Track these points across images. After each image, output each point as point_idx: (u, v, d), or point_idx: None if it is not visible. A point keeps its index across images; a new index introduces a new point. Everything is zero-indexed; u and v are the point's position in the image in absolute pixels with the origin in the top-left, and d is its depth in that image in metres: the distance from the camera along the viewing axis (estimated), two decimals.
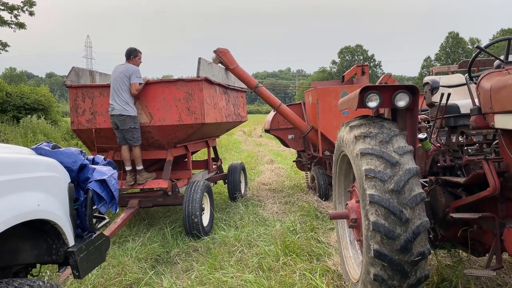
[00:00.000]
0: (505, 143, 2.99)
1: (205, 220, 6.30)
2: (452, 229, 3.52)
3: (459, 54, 70.09)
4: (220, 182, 8.96)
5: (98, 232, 2.81)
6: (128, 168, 6.30)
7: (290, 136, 9.26)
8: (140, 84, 6.02)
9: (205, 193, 6.33)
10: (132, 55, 6.26)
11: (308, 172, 9.28)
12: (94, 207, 2.76)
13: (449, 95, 3.61)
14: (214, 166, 8.41)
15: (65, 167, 2.62)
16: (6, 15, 18.88)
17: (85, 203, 2.69)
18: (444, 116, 3.72)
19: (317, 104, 7.94)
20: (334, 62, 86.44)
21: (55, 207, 2.36)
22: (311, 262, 4.73)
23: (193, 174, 7.26)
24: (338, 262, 4.56)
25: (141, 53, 6.38)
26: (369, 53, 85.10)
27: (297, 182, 10.32)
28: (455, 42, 73.85)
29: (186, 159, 7.36)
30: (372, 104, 3.28)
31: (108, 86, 6.39)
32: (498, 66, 3.35)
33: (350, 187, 3.92)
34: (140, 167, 6.30)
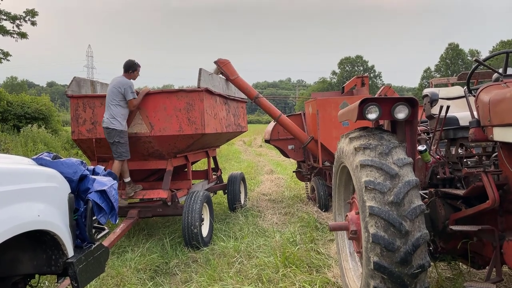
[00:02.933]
0: (504, 156, 3.00)
1: (205, 230, 6.29)
2: (452, 242, 3.51)
3: (459, 66, 70.44)
4: (220, 192, 8.95)
5: (97, 243, 2.81)
6: (126, 180, 6.30)
7: (290, 147, 9.27)
8: (135, 99, 6.04)
9: (204, 204, 6.32)
10: (131, 69, 6.25)
11: (308, 182, 9.27)
12: (94, 218, 2.77)
13: (448, 107, 3.63)
14: (214, 176, 8.41)
15: (66, 177, 2.63)
16: (8, 25, 19.04)
17: (85, 213, 2.69)
18: (444, 128, 3.73)
19: (317, 115, 7.96)
20: (334, 73, 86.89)
21: (55, 218, 2.37)
22: (311, 274, 4.71)
23: (193, 184, 7.26)
24: (338, 274, 4.54)
25: (140, 67, 6.37)
26: (369, 64, 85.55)
27: (297, 192, 10.30)
28: (455, 53, 74.24)
29: (186, 169, 7.36)
30: (372, 116, 3.30)
31: None
32: (497, 79, 3.37)
33: (350, 198, 3.92)
34: (127, 179, 6.28)
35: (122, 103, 6.00)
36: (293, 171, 10.55)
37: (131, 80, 6.22)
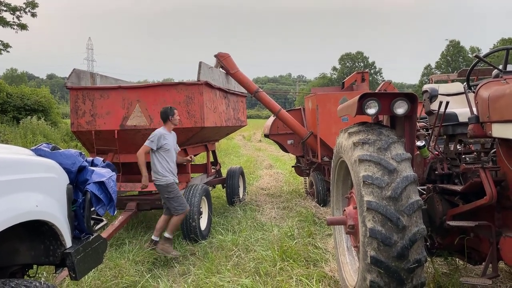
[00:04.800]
0: (502, 152, 3.00)
1: (203, 224, 6.31)
2: (449, 237, 3.52)
3: (459, 63, 70.25)
4: (219, 186, 8.96)
5: (95, 234, 2.82)
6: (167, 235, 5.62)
7: (289, 142, 9.28)
8: (152, 149, 5.51)
9: (203, 197, 6.33)
10: (170, 115, 5.63)
11: (307, 177, 9.29)
12: (92, 209, 2.77)
13: (447, 103, 3.63)
14: (213, 170, 8.42)
15: (64, 168, 2.62)
16: (8, 16, 18.97)
17: (83, 204, 2.70)
18: (443, 124, 3.74)
19: (316, 110, 7.96)
20: (334, 69, 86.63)
21: (53, 208, 2.37)
22: (308, 268, 4.73)
23: (191, 177, 7.27)
24: (335, 268, 4.56)
25: (176, 109, 5.79)
26: (370, 60, 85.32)
27: (295, 187, 10.32)
28: (456, 50, 74.02)
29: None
30: (371, 111, 3.30)
31: (108, 88, 6.42)
32: (497, 76, 3.37)
33: (348, 193, 3.93)
34: (167, 234, 5.55)
35: (159, 156, 5.55)
36: (292, 166, 10.56)
37: (172, 126, 5.70)
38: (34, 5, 19.26)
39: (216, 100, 6.83)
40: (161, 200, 6.34)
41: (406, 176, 2.95)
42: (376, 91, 8.39)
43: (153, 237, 5.63)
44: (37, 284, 2.15)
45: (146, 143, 5.54)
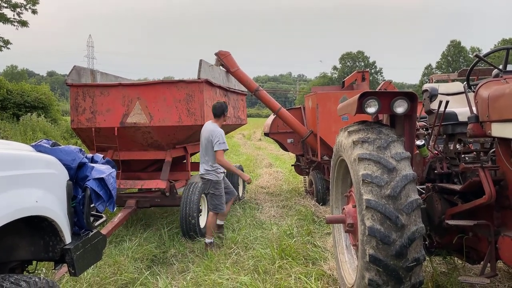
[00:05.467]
0: (502, 152, 3.01)
1: (202, 221, 6.31)
2: (447, 236, 3.53)
3: (460, 63, 70.23)
4: None
5: (95, 231, 2.82)
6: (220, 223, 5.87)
7: (289, 140, 9.28)
8: (225, 150, 5.53)
9: (203, 195, 6.34)
10: (226, 111, 5.72)
11: (306, 176, 9.29)
12: (92, 206, 2.77)
13: (447, 102, 3.64)
14: None
15: (64, 164, 2.63)
16: (9, 13, 18.96)
17: (83, 201, 2.70)
18: (442, 123, 3.74)
19: (316, 109, 7.96)
20: (335, 68, 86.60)
21: (53, 204, 2.37)
22: (307, 266, 4.74)
23: (191, 175, 7.28)
24: (333, 266, 4.57)
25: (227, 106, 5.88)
26: (371, 60, 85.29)
27: (295, 186, 10.33)
28: (457, 50, 74.01)
29: (185, 161, 7.38)
30: (371, 110, 3.31)
31: (108, 85, 6.43)
32: (497, 75, 3.38)
33: (347, 192, 3.93)
34: (221, 222, 5.82)
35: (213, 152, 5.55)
36: (292, 165, 10.56)
37: (223, 122, 5.78)
38: (34, 2, 19.26)
39: (216, 98, 6.84)
40: (161, 198, 6.37)
41: (405, 175, 2.96)
42: (376, 90, 8.39)
43: (206, 240, 5.60)
44: (36, 279, 2.16)
45: (220, 147, 5.45)
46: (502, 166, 3.04)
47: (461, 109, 3.80)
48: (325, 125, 7.90)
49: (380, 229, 2.86)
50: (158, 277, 4.63)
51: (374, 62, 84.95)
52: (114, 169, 3.04)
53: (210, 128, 5.61)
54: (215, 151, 5.48)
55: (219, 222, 5.85)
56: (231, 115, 7.79)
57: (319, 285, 4.18)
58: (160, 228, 6.39)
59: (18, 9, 18.96)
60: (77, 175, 2.75)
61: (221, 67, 7.79)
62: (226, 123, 7.36)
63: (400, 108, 3.32)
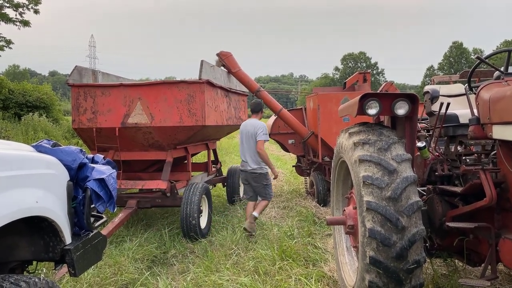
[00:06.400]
0: (503, 154, 3.00)
1: (203, 222, 6.31)
2: (448, 238, 3.53)
3: (462, 64, 70.17)
4: (219, 185, 8.97)
5: (95, 231, 2.82)
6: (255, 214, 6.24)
7: (290, 141, 9.28)
8: (266, 141, 6.17)
9: (203, 196, 6.34)
10: (262, 108, 6.54)
11: (307, 177, 9.29)
12: (92, 206, 2.78)
13: (448, 104, 3.63)
14: (213, 169, 8.42)
15: (65, 165, 2.63)
16: (11, 12, 19.00)
17: (83, 201, 2.70)
18: (443, 125, 3.73)
19: (318, 110, 7.96)
20: (337, 69, 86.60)
21: (53, 205, 2.37)
22: (307, 268, 4.74)
23: (192, 176, 7.27)
24: (334, 268, 4.56)
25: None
26: (372, 61, 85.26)
27: (296, 187, 10.32)
28: (459, 52, 73.94)
29: (185, 161, 7.37)
30: (372, 111, 3.30)
31: (110, 86, 6.42)
32: (498, 77, 3.37)
33: (348, 193, 3.93)
34: (256, 214, 6.21)
35: None
36: (293, 166, 10.56)
37: (260, 117, 6.52)
38: (36, 2, 19.28)
39: (217, 99, 6.84)
40: (161, 198, 6.37)
41: (406, 177, 2.95)
42: (378, 92, 8.39)
43: (254, 213, 6.13)
44: (36, 280, 2.16)
45: (262, 137, 6.07)
46: (503, 169, 3.04)
47: (462, 111, 3.79)
48: (326, 126, 7.89)
49: (381, 231, 2.86)
50: (158, 278, 4.63)
51: (376, 63, 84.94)
52: (114, 170, 3.04)
53: (253, 122, 6.28)
54: (258, 140, 6.03)
55: (255, 213, 6.15)
56: (232, 115, 7.79)
57: (319, 286, 4.18)
58: (161, 229, 6.39)
59: (20, 9, 18.99)
60: (78, 176, 2.75)
61: (222, 68, 7.79)
62: (227, 123, 7.38)
63: (401, 109, 3.32)
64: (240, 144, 6.43)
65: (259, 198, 6.40)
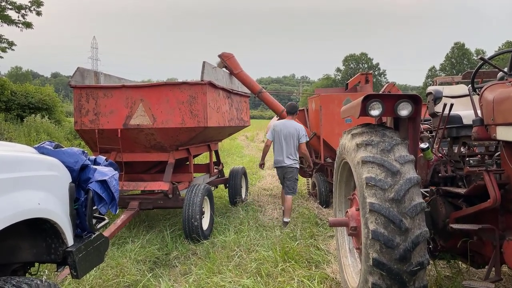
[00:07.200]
0: (507, 155, 2.98)
1: (205, 223, 6.30)
2: (451, 240, 3.51)
3: (464, 65, 70.09)
4: (221, 186, 8.96)
5: (97, 233, 2.81)
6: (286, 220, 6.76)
7: None
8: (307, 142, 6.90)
9: (205, 197, 6.33)
10: (297, 111, 7.16)
11: (310, 178, 9.27)
12: (94, 208, 2.77)
13: (451, 105, 3.62)
14: (215, 170, 8.42)
15: (67, 166, 2.62)
16: (14, 14, 19.03)
17: (86, 203, 2.69)
18: (447, 126, 3.72)
19: (320, 111, 7.94)
20: (338, 70, 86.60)
21: (55, 206, 2.37)
22: (310, 269, 4.72)
23: (194, 177, 7.27)
24: (336, 270, 4.54)
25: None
26: (374, 62, 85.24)
27: (298, 188, 10.28)
28: (461, 52, 73.87)
29: (187, 162, 7.37)
30: (375, 112, 3.29)
31: (112, 87, 6.43)
32: (502, 78, 3.36)
33: (350, 194, 3.91)
34: (287, 219, 6.65)
35: (296, 145, 6.77)
36: None
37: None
38: (39, 4, 19.32)
39: (219, 100, 6.83)
40: (163, 200, 6.37)
41: (409, 178, 2.94)
42: (380, 93, 8.37)
43: (285, 219, 6.63)
44: (38, 282, 2.15)
45: (304, 139, 6.79)
46: (507, 170, 3.02)
47: (465, 112, 3.77)
48: (329, 127, 7.88)
49: (384, 232, 2.84)
50: (160, 279, 4.62)
51: (377, 64, 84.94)
52: (116, 171, 3.04)
53: (293, 124, 6.84)
54: (301, 143, 6.72)
55: (286, 219, 6.63)
56: (234, 117, 7.78)
57: None
58: (163, 230, 6.38)
59: (22, 11, 19.03)
60: (80, 177, 2.75)
61: (224, 69, 7.79)
62: (229, 125, 7.37)
63: (404, 110, 3.30)
64: (276, 142, 6.90)
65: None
